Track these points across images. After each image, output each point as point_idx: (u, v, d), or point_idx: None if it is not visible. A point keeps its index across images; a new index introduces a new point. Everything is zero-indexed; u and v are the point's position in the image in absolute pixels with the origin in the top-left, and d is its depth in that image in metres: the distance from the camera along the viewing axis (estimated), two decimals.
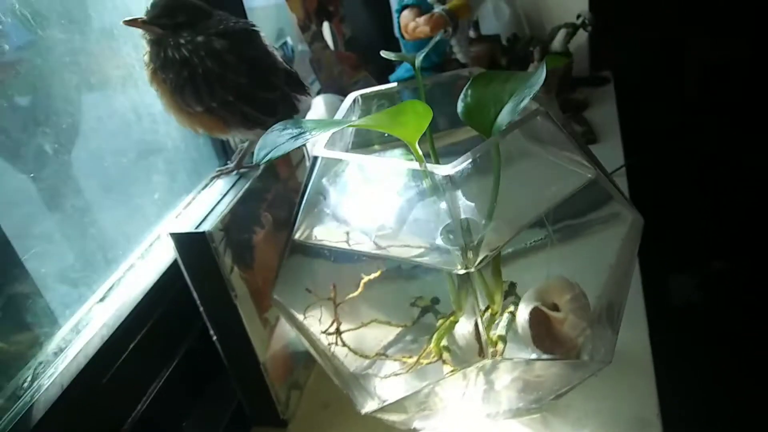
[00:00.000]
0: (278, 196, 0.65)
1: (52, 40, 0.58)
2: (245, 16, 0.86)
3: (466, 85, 0.47)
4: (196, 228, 0.52)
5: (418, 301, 0.59)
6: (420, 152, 0.44)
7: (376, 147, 0.62)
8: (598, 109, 1.23)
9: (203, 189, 0.62)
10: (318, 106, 1.02)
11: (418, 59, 0.55)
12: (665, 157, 1.55)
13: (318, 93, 1.13)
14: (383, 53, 0.58)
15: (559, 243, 0.53)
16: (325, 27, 1.25)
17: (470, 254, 0.42)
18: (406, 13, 0.97)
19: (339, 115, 0.56)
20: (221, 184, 0.60)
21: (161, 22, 0.55)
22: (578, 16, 1.20)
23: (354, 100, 0.58)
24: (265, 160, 0.35)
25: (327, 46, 1.21)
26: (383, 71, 1.21)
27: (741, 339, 1.45)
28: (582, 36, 1.26)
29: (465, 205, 0.44)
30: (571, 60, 1.22)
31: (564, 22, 1.20)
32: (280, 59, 0.60)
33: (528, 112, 0.47)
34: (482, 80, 0.47)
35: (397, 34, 1.01)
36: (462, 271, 0.42)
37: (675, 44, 1.57)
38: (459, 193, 0.43)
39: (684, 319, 1.51)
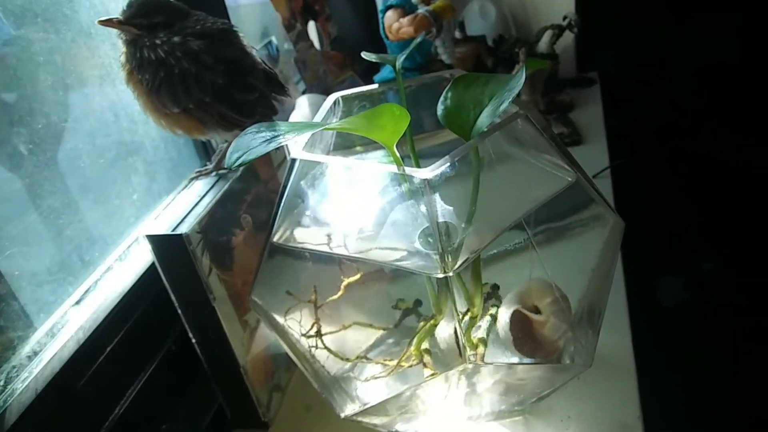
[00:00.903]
0: (258, 197, 0.64)
1: (26, 39, 0.57)
2: (227, 15, 0.85)
3: (446, 88, 0.47)
4: (173, 230, 0.52)
5: (399, 304, 0.59)
6: (398, 155, 0.43)
7: (358, 148, 0.61)
8: (584, 111, 1.23)
9: (182, 190, 0.61)
10: (302, 106, 1.01)
11: (399, 61, 0.55)
12: (651, 158, 1.56)
13: (303, 92, 1.13)
14: (364, 55, 0.58)
15: (540, 245, 0.53)
16: (311, 26, 1.24)
17: (448, 258, 0.42)
18: (389, 13, 0.96)
19: (319, 117, 0.55)
20: (200, 186, 0.60)
21: (137, 22, 0.55)
22: (564, 18, 1.20)
23: (335, 102, 0.57)
24: (236, 164, 0.35)
25: (312, 45, 1.20)
26: (369, 71, 1.20)
27: (729, 340, 1.47)
28: (568, 37, 1.26)
29: (444, 209, 0.43)
30: (557, 61, 1.22)
31: (550, 24, 1.20)
32: (259, 60, 0.59)
33: (508, 116, 0.47)
34: (462, 83, 0.47)
35: (381, 34, 1.01)
36: (440, 275, 0.42)
37: (661, 46, 1.58)
38: (437, 196, 0.42)
39: (672, 320, 1.52)
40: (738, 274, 1.63)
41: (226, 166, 0.36)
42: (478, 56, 1.23)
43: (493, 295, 0.58)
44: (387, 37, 1.00)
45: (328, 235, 0.50)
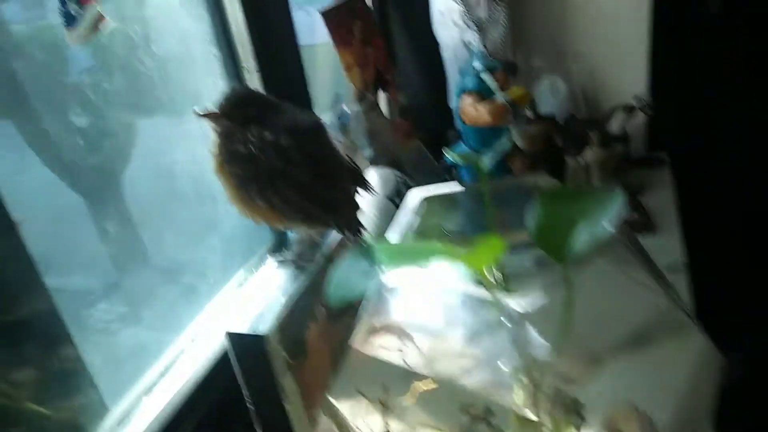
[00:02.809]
0: None
1: (119, 125, 0.59)
2: (308, 97, 0.86)
3: (535, 203, 0.46)
4: (254, 330, 0.51)
5: (470, 409, 0.57)
6: (490, 279, 0.42)
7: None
8: (654, 193, 1.19)
9: (257, 272, 0.61)
10: (371, 179, 1.02)
11: (484, 164, 0.54)
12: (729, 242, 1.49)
13: (370, 161, 1.14)
14: (447, 154, 0.58)
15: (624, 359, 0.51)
16: (381, 96, 1.26)
17: (539, 396, 0.40)
18: (465, 98, 0.97)
19: (404, 216, 0.55)
20: (279, 278, 0.59)
21: (232, 114, 0.56)
22: (636, 99, 1.19)
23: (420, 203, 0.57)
24: (339, 304, 0.34)
25: (382, 114, 1.22)
26: (436, 139, 1.20)
27: None
28: (638, 116, 1.24)
29: (536, 340, 0.42)
30: (628, 142, 1.20)
31: (621, 105, 1.18)
32: (346, 156, 0.60)
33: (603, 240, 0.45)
34: (550, 199, 0.46)
35: (455, 116, 1.01)
36: (533, 418, 0.40)
37: (732, 123, 1.53)
38: (529, 326, 0.41)
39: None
40: None
41: (328, 306, 0.36)
42: (548, 135, 1.22)
43: (576, 411, 0.55)
44: (462, 121, 1.00)
45: (407, 344, 0.49)
